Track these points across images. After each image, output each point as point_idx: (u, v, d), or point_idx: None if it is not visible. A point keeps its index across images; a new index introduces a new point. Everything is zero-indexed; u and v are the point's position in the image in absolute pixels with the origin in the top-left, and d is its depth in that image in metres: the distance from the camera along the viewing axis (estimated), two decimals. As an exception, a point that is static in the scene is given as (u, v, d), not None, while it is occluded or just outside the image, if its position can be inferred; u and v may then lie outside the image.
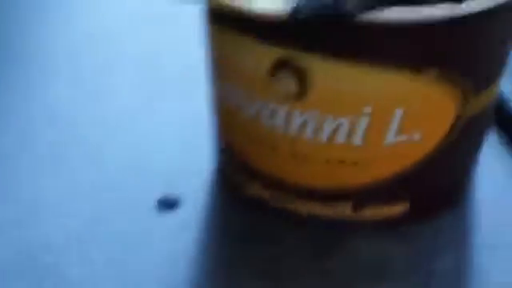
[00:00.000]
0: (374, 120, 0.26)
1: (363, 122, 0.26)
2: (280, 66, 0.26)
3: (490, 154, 0.32)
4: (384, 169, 0.28)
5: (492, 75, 0.27)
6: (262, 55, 0.26)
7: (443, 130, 0.27)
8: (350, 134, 0.27)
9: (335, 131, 0.27)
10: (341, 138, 0.27)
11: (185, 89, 0.37)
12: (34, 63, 0.38)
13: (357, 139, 0.27)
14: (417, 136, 0.27)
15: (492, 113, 0.29)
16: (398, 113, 0.26)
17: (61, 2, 0.43)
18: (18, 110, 0.35)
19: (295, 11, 0.23)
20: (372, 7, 0.23)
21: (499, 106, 0.32)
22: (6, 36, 0.40)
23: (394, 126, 0.26)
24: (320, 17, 0.23)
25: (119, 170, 0.32)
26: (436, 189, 0.29)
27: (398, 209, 0.29)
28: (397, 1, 0.24)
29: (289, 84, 0.26)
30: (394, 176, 0.28)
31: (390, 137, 0.27)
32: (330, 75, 0.26)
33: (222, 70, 0.29)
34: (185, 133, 0.34)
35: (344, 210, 0.29)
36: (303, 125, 0.27)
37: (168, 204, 0.30)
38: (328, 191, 0.28)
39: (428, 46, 0.25)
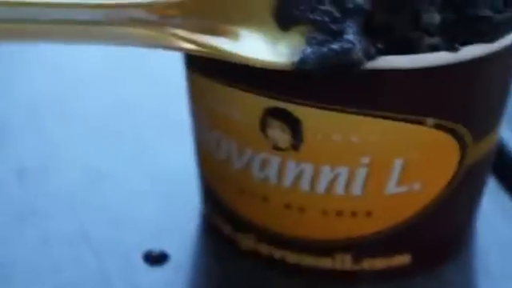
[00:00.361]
0: (373, 170, 0.25)
1: (362, 173, 0.25)
2: (272, 115, 0.25)
3: (489, 200, 0.31)
4: (384, 219, 0.26)
5: (491, 122, 0.27)
6: (251, 105, 0.26)
7: (444, 178, 0.26)
8: (349, 184, 0.26)
9: (333, 182, 0.26)
10: (339, 188, 0.26)
11: (167, 138, 0.35)
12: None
13: (356, 189, 0.26)
14: (417, 186, 0.26)
15: (492, 159, 0.28)
16: (398, 163, 0.25)
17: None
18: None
19: (301, 62, 0.23)
20: (374, 56, 0.23)
21: (498, 152, 0.32)
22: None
23: (395, 176, 0.25)
24: (327, 67, 0.22)
25: (99, 224, 0.31)
26: (438, 239, 0.28)
27: (399, 260, 0.27)
28: (396, 49, 0.23)
29: (282, 135, 0.25)
30: (395, 227, 0.27)
31: (391, 187, 0.26)
32: (325, 125, 0.25)
33: (207, 120, 0.27)
34: (168, 185, 0.33)
35: (343, 262, 0.27)
36: (298, 176, 0.26)
37: (154, 258, 0.29)
38: (326, 243, 0.27)
39: (425, 94, 0.24)
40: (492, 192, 0.32)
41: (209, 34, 0.24)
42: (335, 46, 0.23)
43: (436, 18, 0.23)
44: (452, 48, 0.23)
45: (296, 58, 0.23)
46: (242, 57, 0.24)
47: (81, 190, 0.32)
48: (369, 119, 0.24)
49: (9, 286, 0.28)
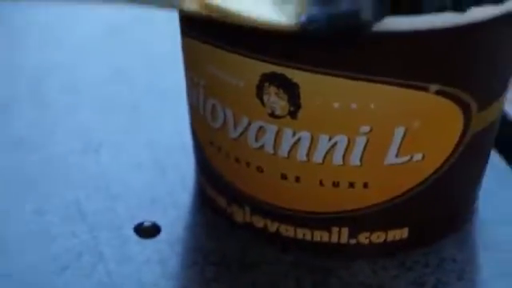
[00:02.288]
0: (372, 140, 0.25)
1: (361, 142, 0.25)
2: (269, 81, 0.24)
3: (492, 176, 0.30)
4: (382, 191, 0.26)
5: (496, 90, 0.26)
6: (248, 70, 0.25)
7: (446, 149, 0.25)
8: (347, 153, 0.25)
9: (330, 151, 0.25)
10: (337, 158, 0.25)
11: (162, 109, 0.35)
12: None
13: (354, 159, 0.25)
14: (418, 156, 0.25)
15: (496, 131, 0.27)
16: (399, 132, 0.24)
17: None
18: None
19: (307, 23, 0.22)
20: (382, 17, 0.22)
21: (502, 128, 0.31)
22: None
23: (395, 145, 0.25)
24: (334, 28, 0.21)
25: (93, 194, 0.30)
26: (437, 213, 0.27)
27: (396, 234, 0.27)
28: (403, 10, 0.22)
29: (279, 101, 0.25)
30: (393, 199, 0.26)
31: (391, 157, 0.25)
32: (324, 91, 0.24)
33: (203, 87, 0.27)
34: (163, 156, 0.32)
35: (340, 236, 0.27)
36: (295, 145, 0.25)
37: (146, 231, 0.29)
38: (322, 215, 0.26)
39: (429, 58, 0.24)
40: (495, 166, 0.31)
41: None
42: (343, 7, 0.22)
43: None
44: (459, 8, 0.22)
45: (302, 19, 0.22)
46: (246, 18, 0.23)
47: (75, 158, 0.32)
48: (369, 85, 0.24)
49: (2, 259, 0.28)
